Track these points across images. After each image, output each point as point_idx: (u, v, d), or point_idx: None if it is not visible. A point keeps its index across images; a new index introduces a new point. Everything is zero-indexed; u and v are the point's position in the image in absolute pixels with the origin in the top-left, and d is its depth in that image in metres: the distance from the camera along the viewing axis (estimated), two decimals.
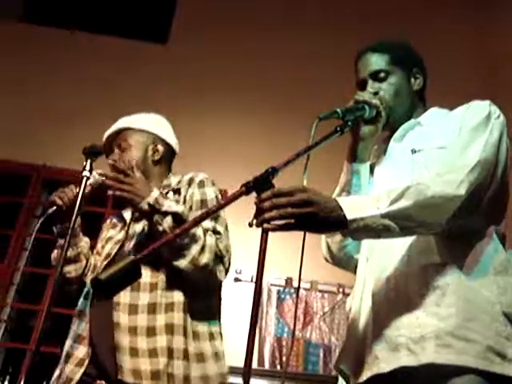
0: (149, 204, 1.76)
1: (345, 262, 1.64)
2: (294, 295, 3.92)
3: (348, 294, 3.89)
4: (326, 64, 4.58)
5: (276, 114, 4.44)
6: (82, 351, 1.78)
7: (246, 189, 1.23)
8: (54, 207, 1.89)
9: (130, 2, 5.23)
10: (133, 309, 1.76)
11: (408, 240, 1.38)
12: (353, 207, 1.26)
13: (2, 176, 4.26)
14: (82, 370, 1.74)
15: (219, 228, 1.87)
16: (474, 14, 4.89)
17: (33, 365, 1.75)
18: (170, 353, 1.71)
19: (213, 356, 1.80)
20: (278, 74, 4.65)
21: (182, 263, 1.75)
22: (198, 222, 1.35)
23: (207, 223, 1.85)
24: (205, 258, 1.76)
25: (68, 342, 1.83)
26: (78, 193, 1.79)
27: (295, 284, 3.92)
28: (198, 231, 1.77)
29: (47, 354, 2.70)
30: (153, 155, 2.04)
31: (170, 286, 1.80)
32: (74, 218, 1.75)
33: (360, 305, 1.46)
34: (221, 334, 1.89)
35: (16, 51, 4.60)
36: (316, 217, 1.23)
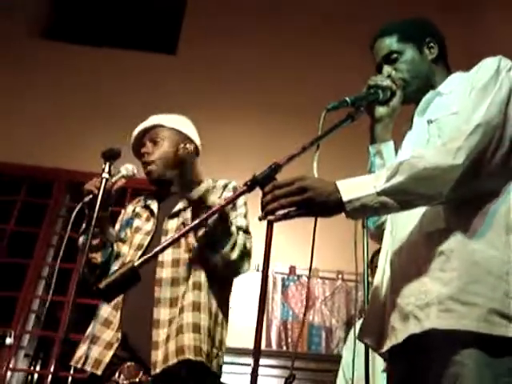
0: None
1: (381, 238, 1.54)
2: (297, 282, 3.92)
3: (347, 280, 3.91)
4: (328, 69, 4.57)
5: (282, 117, 4.39)
6: (109, 335, 1.73)
7: (248, 187, 1.21)
8: (91, 195, 1.79)
9: (140, 16, 5.24)
10: (174, 302, 1.73)
11: (422, 210, 1.29)
12: (350, 188, 1.19)
13: (29, 180, 4.28)
14: (111, 353, 1.69)
15: (250, 228, 1.87)
16: (458, 16, 4.83)
17: (61, 351, 1.74)
18: (198, 329, 1.68)
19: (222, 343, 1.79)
20: (282, 78, 4.63)
21: (216, 258, 1.75)
22: (204, 219, 1.30)
23: (242, 221, 1.84)
24: (234, 255, 1.75)
25: (94, 324, 1.78)
26: (105, 185, 1.76)
27: (298, 272, 3.93)
28: (232, 228, 1.76)
29: (75, 341, 2.70)
30: (182, 153, 1.99)
31: (199, 271, 1.78)
32: (97, 206, 1.70)
33: (382, 276, 1.39)
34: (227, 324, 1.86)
35: (38, 66, 4.61)
36: (314, 202, 1.18)
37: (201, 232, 1.72)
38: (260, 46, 4.82)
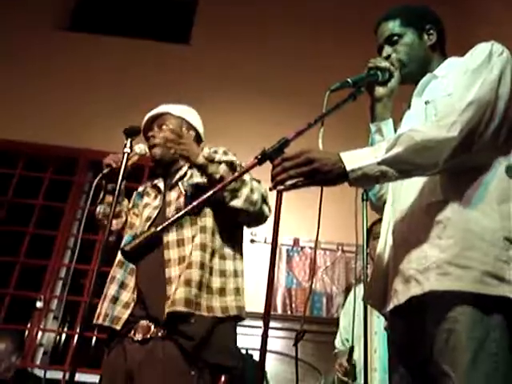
0: (204, 157, 1.76)
1: (382, 209, 1.54)
2: (301, 253, 3.94)
3: (346, 252, 3.91)
4: (333, 58, 4.46)
5: (289, 101, 4.31)
6: (126, 296, 1.79)
7: (258, 160, 1.20)
8: (109, 168, 1.89)
9: (155, 7, 5.17)
10: (181, 261, 1.75)
11: (421, 183, 1.29)
12: (352, 159, 1.18)
13: (54, 159, 4.28)
14: (128, 312, 1.76)
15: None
16: (448, 9, 4.72)
17: (86, 314, 1.73)
18: (200, 285, 1.70)
19: (234, 291, 1.79)
20: (287, 66, 4.56)
21: (238, 202, 1.75)
22: (220, 188, 1.29)
23: (246, 176, 1.83)
24: (255, 196, 1.78)
25: (113, 286, 1.82)
26: (126, 159, 1.81)
27: (301, 244, 3.94)
28: (246, 177, 1.77)
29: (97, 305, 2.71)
30: None
31: (204, 230, 1.80)
32: (120, 178, 1.76)
33: (384, 245, 1.40)
34: (243, 272, 1.87)
35: (62, 55, 4.57)
36: (320, 172, 1.17)
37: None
38: (271, 34, 4.72)
